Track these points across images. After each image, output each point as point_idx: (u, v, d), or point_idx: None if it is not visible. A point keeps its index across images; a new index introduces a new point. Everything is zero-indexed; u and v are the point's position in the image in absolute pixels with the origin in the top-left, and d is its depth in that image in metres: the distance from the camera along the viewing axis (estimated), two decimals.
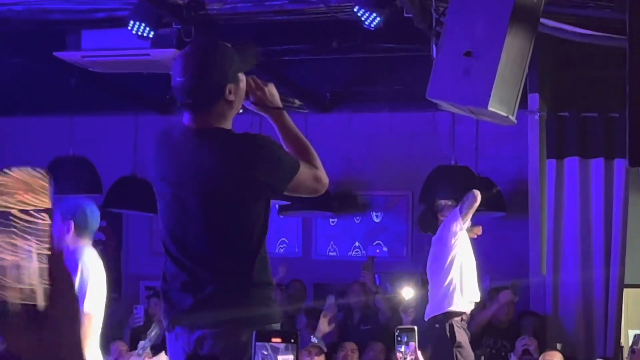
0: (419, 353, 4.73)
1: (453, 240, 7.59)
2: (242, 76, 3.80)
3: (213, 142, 3.72)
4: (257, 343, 2.15)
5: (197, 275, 3.70)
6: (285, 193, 3.83)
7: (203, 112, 3.73)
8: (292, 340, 2.15)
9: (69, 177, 10.04)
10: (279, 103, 3.90)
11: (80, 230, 5.39)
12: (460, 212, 7.61)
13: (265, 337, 2.16)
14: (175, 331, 3.75)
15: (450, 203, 7.80)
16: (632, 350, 7.05)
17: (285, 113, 3.90)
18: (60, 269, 1.50)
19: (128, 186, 10.66)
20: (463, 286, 7.59)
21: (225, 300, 3.65)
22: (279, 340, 2.15)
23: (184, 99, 3.76)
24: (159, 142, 3.85)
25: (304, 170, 3.78)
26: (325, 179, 3.86)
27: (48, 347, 1.47)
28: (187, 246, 3.74)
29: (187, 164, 3.73)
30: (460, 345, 7.45)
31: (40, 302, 1.44)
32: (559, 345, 8.26)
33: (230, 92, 3.73)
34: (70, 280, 1.54)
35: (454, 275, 7.60)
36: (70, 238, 5.32)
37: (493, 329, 8.89)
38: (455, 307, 7.57)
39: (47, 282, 1.46)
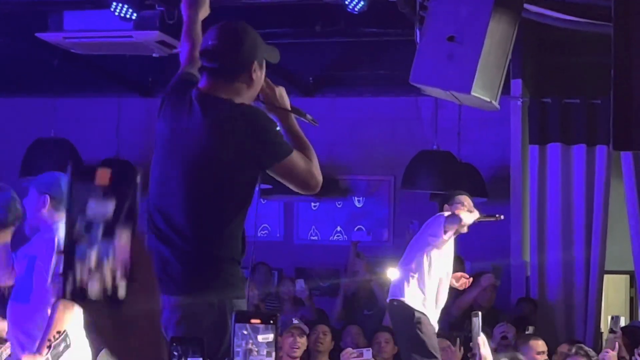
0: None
1: (430, 240, 7.56)
2: (264, 64, 3.93)
3: (211, 108, 3.80)
4: (237, 324, 2.16)
5: (172, 244, 3.75)
6: (273, 174, 3.85)
7: (222, 80, 3.84)
8: (272, 322, 2.16)
9: (50, 159, 10.00)
10: (287, 105, 3.98)
11: (57, 204, 5.28)
12: (444, 231, 7.48)
13: (244, 318, 2.18)
14: None
15: (462, 203, 7.68)
16: (610, 330, 7.08)
17: (291, 115, 3.98)
18: (142, 254, 1.46)
19: (111, 168, 10.63)
20: (427, 295, 7.55)
21: (191, 270, 3.72)
22: (258, 321, 2.16)
23: (210, 63, 3.86)
24: (171, 95, 3.99)
25: (296, 158, 3.83)
26: (318, 178, 3.91)
27: (127, 332, 1.45)
28: (168, 214, 3.79)
29: (181, 128, 3.83)
30: (419, 322, 7.43)
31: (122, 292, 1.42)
32: (530, 329, 8.29)
33: (254, 70, 3.84)
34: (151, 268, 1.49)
35: (417, 269, 7.58)
36: (46, 212, 5.27)
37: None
38: (406, 300, 7.53)
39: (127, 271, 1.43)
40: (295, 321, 8.06)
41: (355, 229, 10.82)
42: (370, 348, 7.83)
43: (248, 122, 3.76)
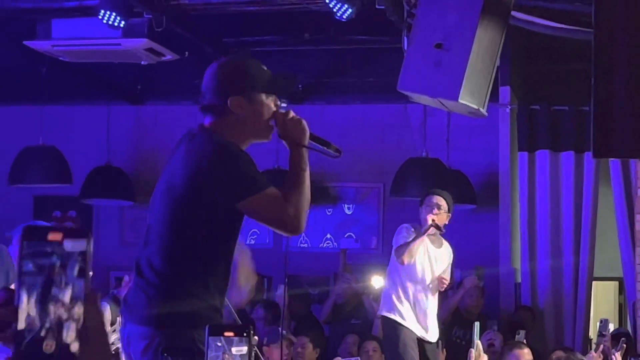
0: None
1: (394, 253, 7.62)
2: (264, 98, 3.82)
3: (193, 142, 3.75)
4: (210, 337, 2.18)
5: (146, 276, 3.71)
6: (243, 211, 3.71)
7: (211, 118, 3.78)
8: (245, 335, 2.17)
9: (38, 167, 10.00)
10: (302, 141, 3.86)
11: None
12: (398, 259, 7.55)
13: (217, 331, 2.19)
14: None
15: (433, 206, 7.67)
16: (600, 334, 7.09)
17: (303, 150, 3.86)
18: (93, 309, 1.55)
19: (103, 176, 10.66)
20: (404, 312, 7.60)
21: (158, 303, 3.65)
22: (231, 334, 2.17)
23: (200, 100, 3.84)
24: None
25: (267, 200, 3.68)
26: (296, 222, 3.72)
27: None
28: (148, 239, 3.77)
29: (171, 160, 3.79)
30: (398, 334, 7.54)
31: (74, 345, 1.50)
32: (522, 332, 8.29)
33: (237, 105, 3.74)
34: (102, 321, 1.57)
35: (394, 283, 7.64)
36: None
37: (463, 321, 8.91)
38: (385, 313, 7.63)
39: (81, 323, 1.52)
40: (283, 332, 8.04)
41: (345, 236, 10.82)
42: (358, 357, 7.86)
43: (216, 156, 3.67)
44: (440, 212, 7.49)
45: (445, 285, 7.71)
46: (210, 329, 2.19)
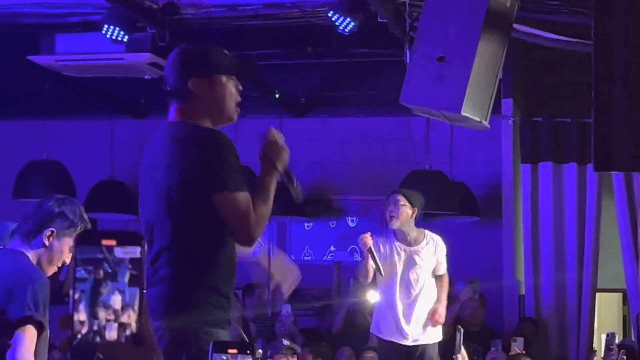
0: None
1: None
2: (224, 80, 3.86)
3: (169, 134, 3.79)
4: (214, 354, 2.22)
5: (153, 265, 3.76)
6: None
7: (177, 105, 3.83)
8: (248, 352, 2.22)
9: (42, 182, 10.01)
10: (278, 166, 3.90)
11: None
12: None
13: (221, 348, 2.24)
14: None
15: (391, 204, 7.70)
16: (608, 349, 7.08)
17: (276, 173, 3.89)
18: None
19: (107, 190, 10.67)
20: (381, 324, 7.67)
21: (162, 298, 3.69)
22: (235, 351, 2.22)
23: (163, 85, 3.90)
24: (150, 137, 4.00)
25: (239, 200, 3.69)
26: (252, 232, 3.71)
27: None
28: (149, 240, 3.79)
29: (149, 156, 3.85)
30: (379, 347, 7.64)
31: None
32: (518, 340, 8.29)
33: (198, 87, 3.80)
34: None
35: (380, 297, 7.73)
36: None
37: (465, 333, 8.91)
38: (372, 330, 7.69)
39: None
40: (285, 342, 8.06)
41: (349, 248, 10.82)
42: None
43: (201, 146, 3.72)
44: (395, 208, 7.46)
45: (438, 320, 7.64)
46: (214, 346, 2.24)
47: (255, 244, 3.81)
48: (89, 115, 11.23)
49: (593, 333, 9.40)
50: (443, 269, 7.63)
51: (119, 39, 7.62)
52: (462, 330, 6.29)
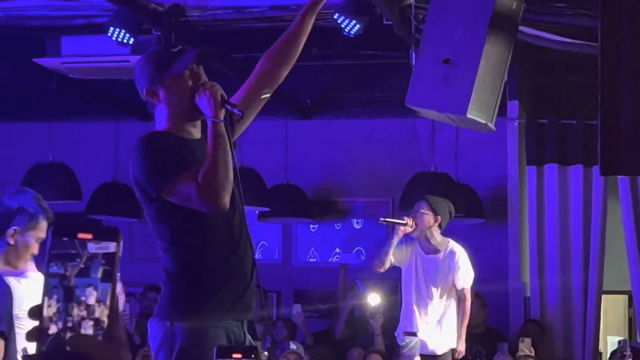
0: None
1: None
2: (172, 79, 3.83)
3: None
4: (218, 359, 2.23)
5: None
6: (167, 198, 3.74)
7: (151, 112, 3.97)
8: (253, 356, 2.23)
9: (49, 184, 10.01)
10: (214, 114, 3.73)
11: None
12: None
13: (225, 353, 2.25)
14: None
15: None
16: (621, 356, 7.05)
17: (216, 124, 3.72)
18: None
19: (110, 192, 10.67)
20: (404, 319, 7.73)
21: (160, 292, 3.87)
22: (239, 355, 2.23)
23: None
24: None
25: (180, 183, 3.67)
26: (210, 197, 3.65)
27: None
28: None
29: None
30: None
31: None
32: (526, 340, 8.27)
33: (151, 95, 3.87)
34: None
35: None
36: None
37: (467, 335, 8.90)
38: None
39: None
40: (292, 346, 8.07)
41: (354, 250, 10.82)
42: None
43: (136, 148, 3.80)
44: (418, 216, 7.55)
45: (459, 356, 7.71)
46: (217, 351, 2.25)
47: (225, 200, 3.69)
48: (95, 117, 11.24)
49: (599, 335, 9.39)
50: (462, 283, 7.69)
51: (125, 41, 7.62)
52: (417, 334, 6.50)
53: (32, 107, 10.65)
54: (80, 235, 1.51)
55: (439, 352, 7.65)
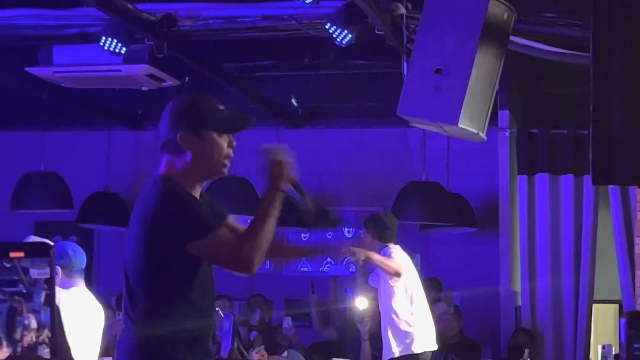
0: None
1: None
2: (215, 136, 3.76)
3: (145, 189, 3.74)
4: None
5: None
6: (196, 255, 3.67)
7: (167, 157, 3.77)
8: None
9: (40, 193, 10.02)
10: (280, 186, 3.79)
11: (68, 272, 5.69)
12: None
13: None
14: None
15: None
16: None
17: (277, 194, 3.78)
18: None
19: (100, 201, 10.67)
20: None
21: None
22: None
23: (158, 138, 3.83)
24: None
25: (215, 241, 3.62)
26: (247, 264, 3.63)
27: None
28: (125, 283, 3.80)
29: (136, 204, 3.79)
30: None
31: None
32: (526, 352, 8.30)
33: (186, 140, 3.72)
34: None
35: (387, 318, 7.89)
36: (60, 281, 5.53)
37: (442, 345, 8.90)
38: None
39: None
40: (284, 354, 8.08)
41: (345, 261, 10.82)
42: None
43: (161, 202, 3.64)
44: (360, 243, 7.67)
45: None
46: None
47: (257, 268, 3.69)
48: (87, 127, 11.24)
49: (590, 344, 9.41)
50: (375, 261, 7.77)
51: (117, 50, 7.62)
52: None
53: (24, 115, 10.64)
54: (12, 255, 1.50)
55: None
